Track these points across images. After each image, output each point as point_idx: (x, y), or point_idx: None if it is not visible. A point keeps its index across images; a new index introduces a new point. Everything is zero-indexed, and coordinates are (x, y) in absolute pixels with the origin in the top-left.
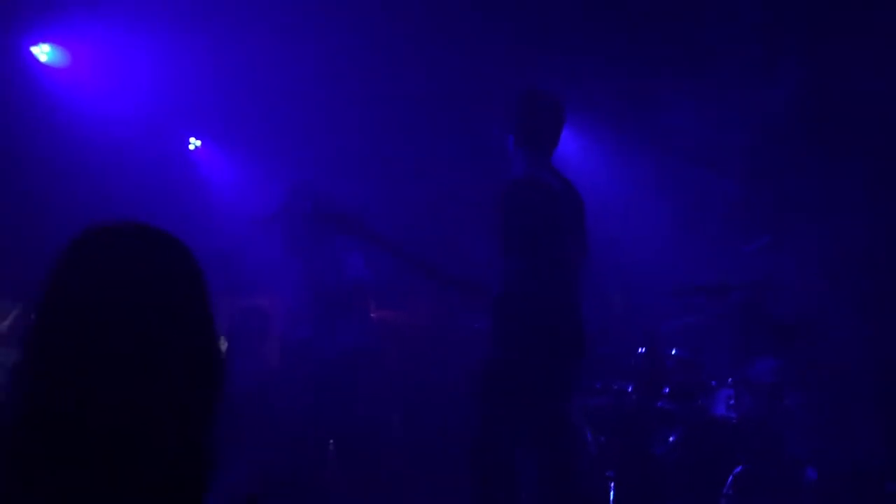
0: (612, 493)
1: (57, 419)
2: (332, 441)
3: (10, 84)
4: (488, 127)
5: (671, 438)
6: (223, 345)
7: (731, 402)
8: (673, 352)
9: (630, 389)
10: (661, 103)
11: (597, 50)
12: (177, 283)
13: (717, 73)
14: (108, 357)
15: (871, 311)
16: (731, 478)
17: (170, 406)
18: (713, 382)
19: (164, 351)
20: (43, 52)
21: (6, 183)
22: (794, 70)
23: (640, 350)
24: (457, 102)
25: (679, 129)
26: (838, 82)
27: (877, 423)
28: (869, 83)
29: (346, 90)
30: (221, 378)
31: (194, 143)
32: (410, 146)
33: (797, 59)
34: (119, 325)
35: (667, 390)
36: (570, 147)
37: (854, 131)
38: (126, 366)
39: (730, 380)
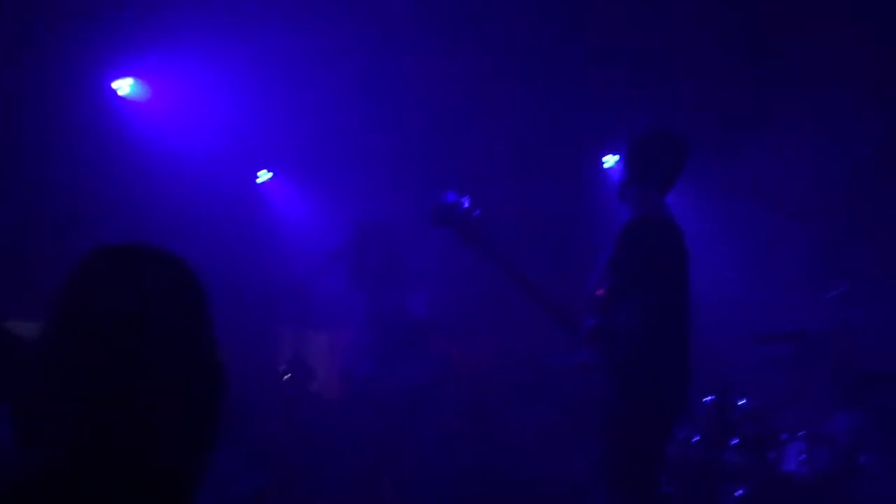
0: None
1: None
2: (387, 478)
3: (92, 117)
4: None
5: (738, 493)
6: (286, 374)
7: (803, 457)
8: (742, 402)
9: (696, 439)
10: (742, 149)
11: (679, 95)
12: (179, 303)
13: (797, 121)
14: (110, 374)
15: None
16: None
17: (169, 422)
18: (784, 436)
19: (166, 369)
20: (126, 85)
21: (81, 216)
22: (877, 118)
23: (707, 399)
24: (534, 144)
25: (760, 175)
26: None
27: None
28: None
29: (417, 127)
30: (222, 396)
31: (264, 175)
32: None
33: (879, 106)
34: (122, 343)
35: (735, 442)
36: None
37: None
38: (128, 384)
39: (801, 433)
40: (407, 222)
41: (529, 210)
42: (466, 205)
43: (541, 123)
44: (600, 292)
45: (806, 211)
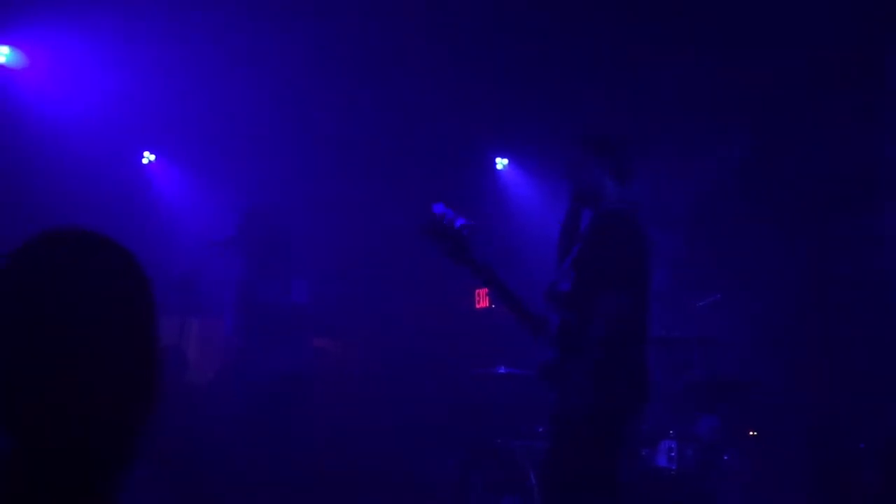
0: None
1: None
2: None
3: None
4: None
5: None
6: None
7: (672, 454)
8: None
9: None
10: None
11: (546, 110)
12: (119, 290)
13: (665, 139)
14: (45, 360)
15: (802, 375)
16: None
17: (102, 406)
18: (654, 434)
19: (103, 354)
20: (1, 53)
21: None
22: (738, 140)
23: None
24: (410, 143)
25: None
26: (779, 154)
27: (805, 486)
28: (808, 155)
29: (303, 115)
30: (158, 382)
31: (148, 157)
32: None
33: (741, 130)
34: (58, 327)
35: None
36: (523, 197)
37: (792, 200)
38: (62, 369)
39: (671, 432)
40: (299, 209)
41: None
42: (454, 218)
43: (430, 119)
44: (567, 288)
45: (670, 222)
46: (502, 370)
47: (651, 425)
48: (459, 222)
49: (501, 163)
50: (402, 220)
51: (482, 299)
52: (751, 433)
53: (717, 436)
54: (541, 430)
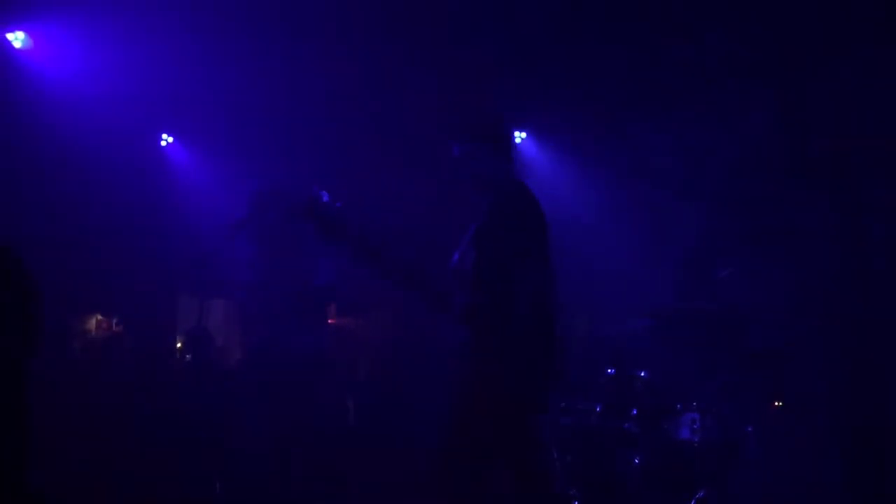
0: None
1: None
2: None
3: None
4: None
5: (636, 460)
6: (183, 348)
7: (696, 426)
8: (641, 374)
9: (598, 410)
10: (636, 132)
11: (576, 81)
12: None
13: (691, 107)
14: None
15: (832, 346)
16: (692, 502)
17: None
18: (678, 406)
19: None
20: (18, 38)
21: None
22: (766, 106)
23: (608, 371)
24: (428, 123)
25: (653, 157)
26: (808, 118)
27: (832, 456)
28: (836, 121)
29: (319, 99)
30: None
31: (166, 139)
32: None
33: (769, 95)
34: None
35: (634, 412)
36: (546, 169)
37: (822, 166)
38: None
39: (694, 404)
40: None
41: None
42: (326, 199)
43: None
44: (470, 266)
45: (692, 191)
46: None
47: (674, 397)
48: (338, 203)
49: (519, 136)
50: (414, 197)
51: None
52: (776, 403)
53: (740, 404)
54: (563, 404)
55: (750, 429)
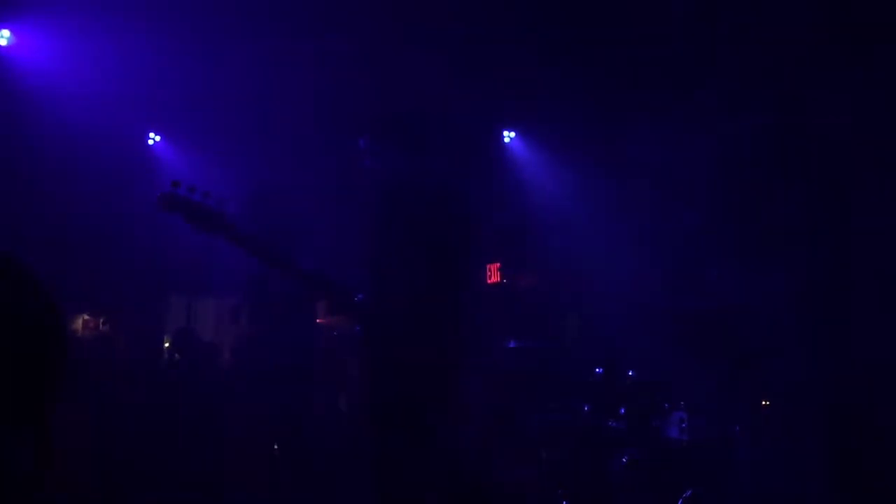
0: None
1: None
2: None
3: None
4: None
5: (624, 459)
6: (171, 348)
7: (684, 425)
8: (630, 373)
9: (586, 409)
10: (631, 131)
11: (570, 77)
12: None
13: (685, 106)
14: None
15: (821, 345)
16: (680, 501)
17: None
18: (666, 405)
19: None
20: (2, 37)
21: None
22: (762, 105)
23: (597, 370)
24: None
25: (644, 157)
26: (804, 118)
27: (819, 455)
28: (833, 119)
29: (309, 94)
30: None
31: (154, 137)
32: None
33: (766, 94)
34: None
35: (623, 411)
36: (536, 169)
37: (817, 165)
38: None
39: (683, 403)
40: (303, 187)
41: None
42: (182, 190)
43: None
44: (367, 262)
45: (690, 191)
46: (513, 345)
47: (663, 396)
48: (205, 195)
49: (508, 136)
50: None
51: (493, 274)
52: (764, 403)
53: (729, 404)
54: (553, 404)
55: (738, 428)
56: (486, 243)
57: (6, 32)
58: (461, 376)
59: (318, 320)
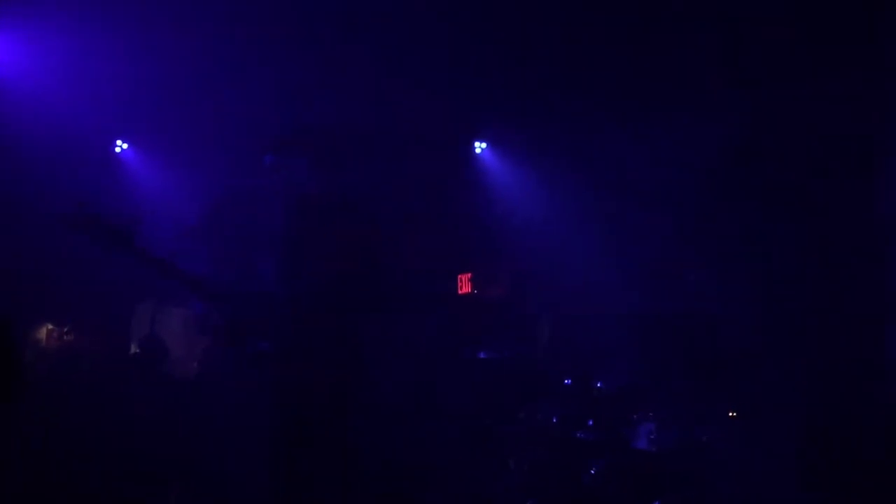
0: None
1: None
2: None
3: None
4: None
5: (592, 470)
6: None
7: (653, 436)
8: (598, 384)
9: (555, 420)
10: (600, 138)
11: (540, 83)
12: None
13: (654, 111)
14: None
15: (795, 354)
16: None
17: None
18: (635, 415)
19: None
20: None
21: None
22: (730, 110)
23: (566, 381)
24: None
25: (620, 166)
26: (775, 127)
27: (790, 464)
28: (801, 124)
29: (277, 102)
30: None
31: (121, 145)
32: None
33: (734, 99)
34: None
35: (591, 422)
36: (510, 178)
37: (785, 170)
38: None
39: (651, 413)
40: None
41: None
42: (95, 212)
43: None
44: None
45: (664, 200)
46: (482, 355)
47: (632, 407)
48: (123, 215)
49: (479, 146)
50: (379, 206)
51: (464, 285)
52: (731, 414)
53: (697, 413)
54: (521, 415)
55: (706, 438)
56: (457, 253)
57: None
58: (363, 387)
59: None
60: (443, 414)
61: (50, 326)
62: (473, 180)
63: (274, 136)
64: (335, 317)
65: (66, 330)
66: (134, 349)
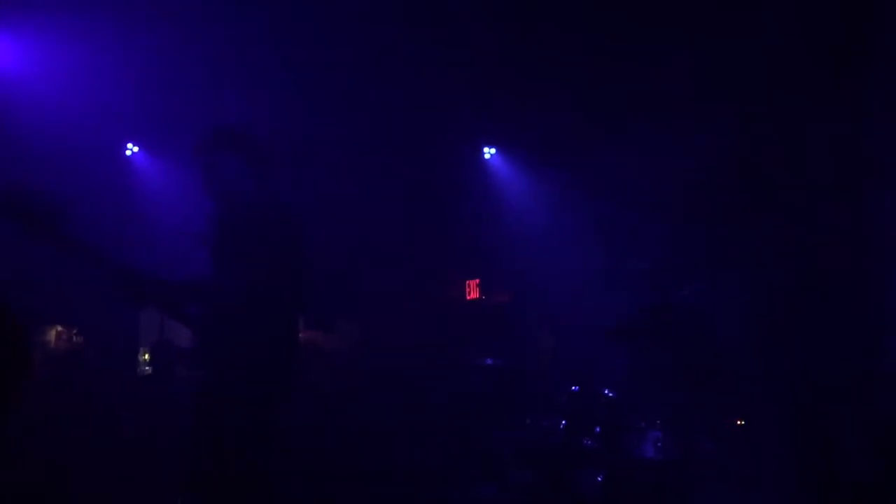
0: None
1: None
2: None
3: None
4: None
5: (598, 478)
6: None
7: (659, 444)
8: (605, 391)
9: (560, 427)
10: (601, 152)
11: (541, 100)
12: None
13: (650, 125)
14: None
15: (790, 364)
16: None
17: None
18: (642, 424)
19: None
20: None
21: None
22: (725, 123)
23: (573, 388)
24: (401, 140)
25: (616, 176)
26: (765, 138)
27: (791, 474)
28: (794, 137)
29: (288, 110)
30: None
31: (132, 148)
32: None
33: (728, 113)
34: None
35: (598, 430)
36: (512, 187)
37: (779, 182)
38: None
39: (658, 422)
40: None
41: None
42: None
43: (417, 110)
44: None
45: (659, 210)
46: (489, 361)
47: (638, 415)
48: (52, 200)
49: (489, 152)
50: (390, 211)
51: (472, 290)
52: (738, 422)
53: (702, 422)
54: (528, 421)
55: (710, 446)
56: (463, 259)
57: None
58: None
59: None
60: (442, 420)
61: (59, 329)
62: (479, 187)
63: (207, 133)
64: (256, 318)
65: (75, 332)
66: (145, 352)
